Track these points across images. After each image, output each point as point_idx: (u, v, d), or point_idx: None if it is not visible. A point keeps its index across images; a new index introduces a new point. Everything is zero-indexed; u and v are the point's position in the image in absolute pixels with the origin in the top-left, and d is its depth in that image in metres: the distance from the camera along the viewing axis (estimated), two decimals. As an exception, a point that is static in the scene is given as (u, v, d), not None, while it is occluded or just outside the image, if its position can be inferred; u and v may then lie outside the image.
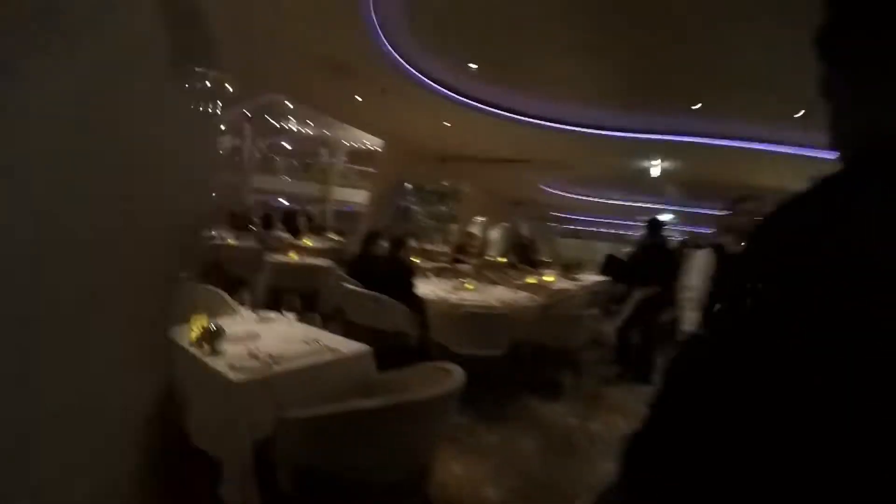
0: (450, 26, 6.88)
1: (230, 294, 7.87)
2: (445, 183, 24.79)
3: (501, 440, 3.82)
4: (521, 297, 5.76)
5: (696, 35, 6.04)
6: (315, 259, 7.73)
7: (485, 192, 18.66)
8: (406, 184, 17.69)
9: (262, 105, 21.75)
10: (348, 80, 8.91)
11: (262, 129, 25.00)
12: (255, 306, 7.09)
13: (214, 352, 2.45)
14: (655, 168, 11.52)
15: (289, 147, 28.85)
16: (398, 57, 7.89)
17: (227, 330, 2.77)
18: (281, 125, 25.58)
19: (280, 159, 28.94)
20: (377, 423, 1.92)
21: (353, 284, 5.18)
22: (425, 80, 8.67)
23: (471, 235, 17.10)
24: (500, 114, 9.79)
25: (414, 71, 8.34)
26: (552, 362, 5.02)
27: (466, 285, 6.00)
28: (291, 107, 21.19)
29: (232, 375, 2.19)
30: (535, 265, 16.03)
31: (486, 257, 15.55)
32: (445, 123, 11.04)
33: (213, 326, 2.51)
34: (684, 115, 8.75)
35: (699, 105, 8.17)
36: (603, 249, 20.78)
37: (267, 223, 17.84)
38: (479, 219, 20.76)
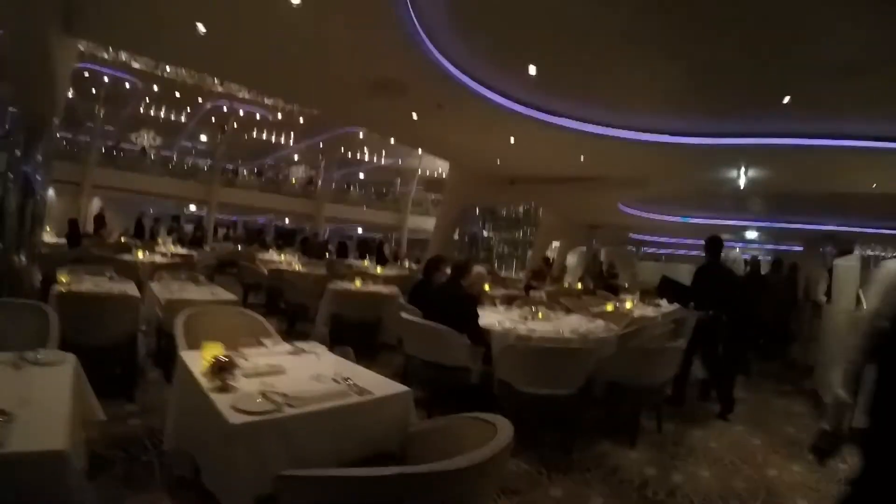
0: (501, 30, 6.45)
1: (292, 322, 7.89)
2: (519, 208, 24.40)
3: (567, 495, 3.27)
4: (598, 326, 5.19)
5: (780, 19, 5.29)
6: (379, 286, 7.45)
7: (560, 215, 18.02)
8: (476, 208, 17.25)
9: (337, 137, 22.32)
10: (401, 97, 8.69)
11: (336, 160, 25.67)
12: (317, 335, 7.05)
13: (224, 387, 2.12)
14: (740, 178, 10.44)
15: (362, 177, 29.50)
16: (449, 66, 7.51)
17: (251, 361, 2.47)
18: (355, 156, 26.17)
19: (354, 189, 29.64)
20: (395, 494, 1.49)
21: (411, 314, 4.82)
22: (481, 88, 8.20)
23: (546, 261, 16.55)
24: (566, 125, 9.12)
25: (468, 80, 7.93)
26: (630, 401, 4.39)
27: (538, 314, 5.49)
28: (362, 136, 21.62)
29: (232, 417, 1.84)
30: (614, 290, 15.29)
31: (564, 283, 14.95)
32: (510, 140, 10.56)
33: (223, 358, 2.19)
34: (771, 114, 7.83)
35: (787, 99, 7.17)
36: (685, 272, 19.58)
37: (342, 251, 18.12)
38: (556, 243, 20.16)
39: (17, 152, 6.13)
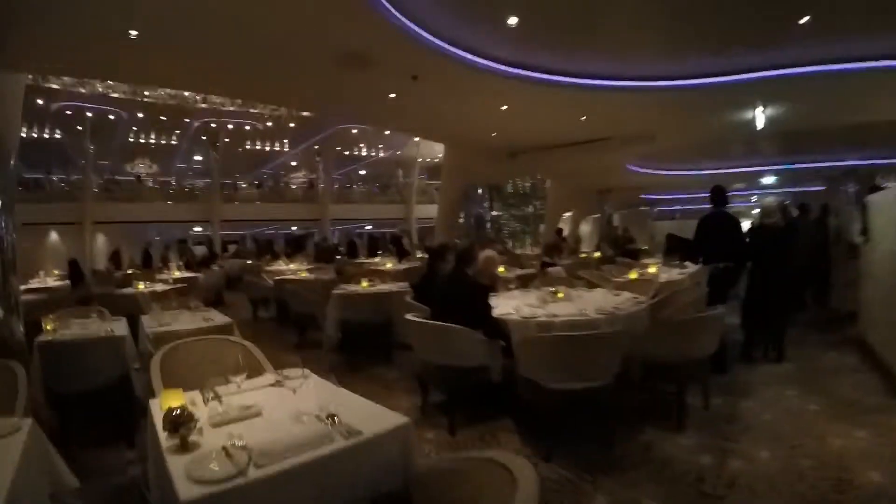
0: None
1: (302, 332, 7.53)
2: (525, 182, 23.77)
3: (613, 501, 2.84)
4: (624, 299, 4.72)
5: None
6: (387, 284, 7.04)
7: (568, 184, 17.42)
8: (478, 188, 16.66)
9: (331, 136, 21.92)
10: (373, 71, 8.03)
11: (334, 159, 25.27)
12: (327, 346, 6.69)
13: (184, 445, 1.74)
14: (759, 117, 9.66)
15: (363, 173, 29.09)
16: (418, 29, 6.82)
17: (225, 402, 2.08)
18: (352, 152, 25.76)
19: (357, 186, 29.22)
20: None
21: (417, 313, 4.40)
22: (457, 50, 7.42)
23: (559, 233, 16.01)
24: (560, 81, 8.35)
25: (441, 42, 7.17)
26: (672, 380, 3.95)
27: (557, 294, 5.03)
28: (355, 132, 21.19)
29: (183, 490, 1.45)
30: (633, 255, 14.78)
31: (580, 254, 14.43)
32: (501, 107, 9.90)
33: (178, 410, 1.80)
34: (787, 39, 7.14)
35: (806, 19, 6.45)
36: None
37: (352, 251, 17.75)
38: (567, 214, 19.58)
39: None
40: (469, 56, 7.67)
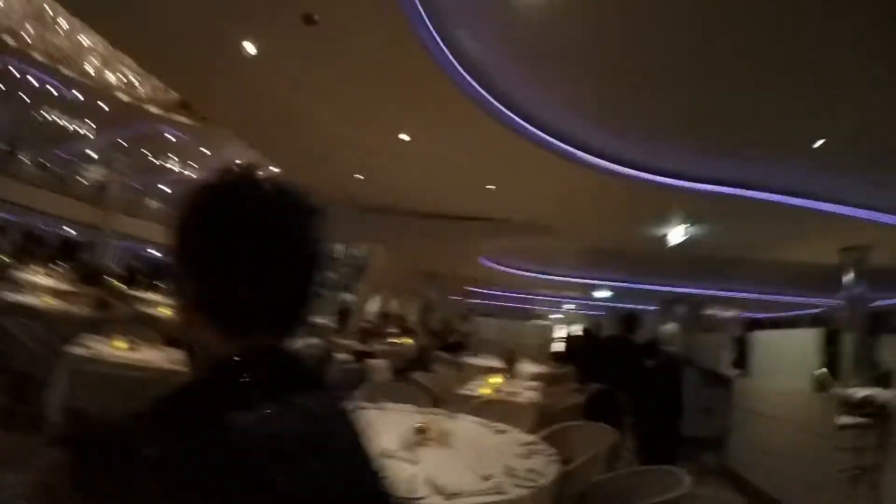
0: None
1: (19, 397, 4.85)
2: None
3: None
4: (528, 450, 3.23)
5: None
6: (158, 353, 4.79)
7: (401, 259, 15.70)
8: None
9: (141, 136, 18.28)
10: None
11: (140, 165, 21.36)
12: (48, 434, 4.17)
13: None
14: (679, 233, 8.86)
15: (167, 190, 24.85)
16: None
17: None
18: (162, 163, 22.02)
19: (155, 201, 24.79)
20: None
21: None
22: None
23: (385, 316, 14.36)
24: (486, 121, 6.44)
25: None
26: None
27: (425, 431, 3.37)
28: (175, 140, 17.90)
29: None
30: (456, 349, 13.73)
31: (397, 339, 12.92)
32: (401, 136, 7.30)
33: None
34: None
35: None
36: (529, 331, 18.80)
37: (131, 279, 14.25)
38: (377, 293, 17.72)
39: None
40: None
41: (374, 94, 6.16)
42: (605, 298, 17.02)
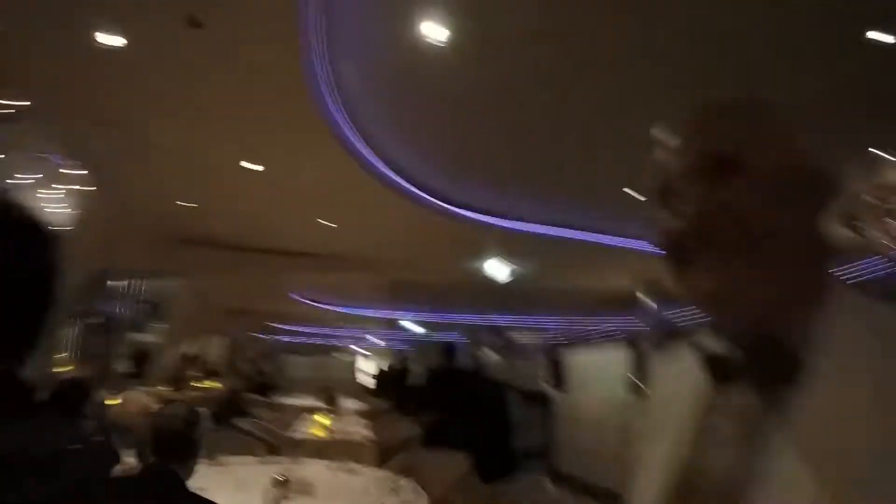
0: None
1: None
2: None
3: None
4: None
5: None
6: None
7: (214, 297, 14.22)
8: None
9: None
10: None
11: None
12: None
13: None
14: (501, 270, 9.37)
15: None
16: None
17: None
18: None
19: None
20: None
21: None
22: None
23: (190, 358, 12.98)
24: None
25: None
26: None
27: (285, 486, 3.19)
28: None
29: None
30: (264, 391, 13.02)
31: (200, 383, 11.80)
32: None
33: None
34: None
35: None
36: (339, 366, 18.54)
37: None
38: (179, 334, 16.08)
39: None
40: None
41: (229, 114, 5.59)
42: (414, 332, 17.47)
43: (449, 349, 6.81)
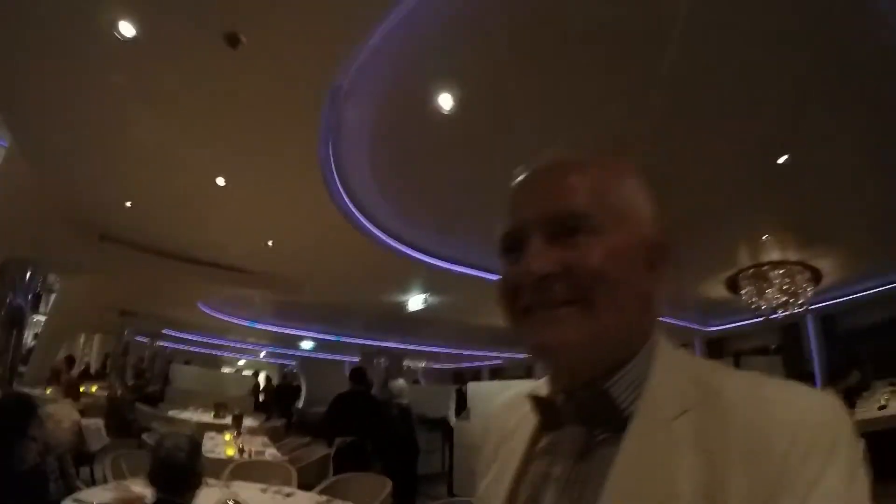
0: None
1: None
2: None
3: None
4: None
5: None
6: None
7: (92, 296, 13.13)
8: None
9: None
10: None
11: None
12: None
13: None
14: (417, 302, 9.94)
15: None
16: None
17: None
18: None
19: None
20: None
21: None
22: None
23: (70, 361, 11.89)
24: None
25: None
26: None
27: None
28: None
29: None
30: (154, 401, 12.40)
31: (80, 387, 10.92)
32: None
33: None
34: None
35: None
36: (228, 379, 17.79)
37: None
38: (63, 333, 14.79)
39: None
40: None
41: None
42: (306, 349, 17.47)
43: (360, 373, 6.84)
